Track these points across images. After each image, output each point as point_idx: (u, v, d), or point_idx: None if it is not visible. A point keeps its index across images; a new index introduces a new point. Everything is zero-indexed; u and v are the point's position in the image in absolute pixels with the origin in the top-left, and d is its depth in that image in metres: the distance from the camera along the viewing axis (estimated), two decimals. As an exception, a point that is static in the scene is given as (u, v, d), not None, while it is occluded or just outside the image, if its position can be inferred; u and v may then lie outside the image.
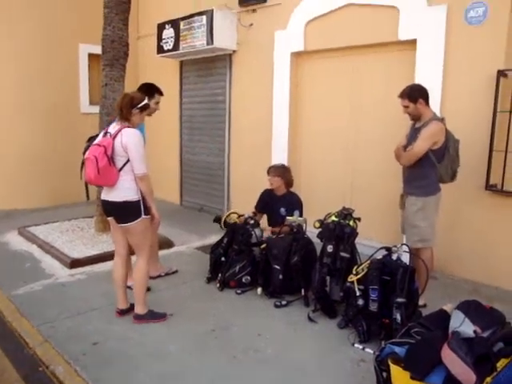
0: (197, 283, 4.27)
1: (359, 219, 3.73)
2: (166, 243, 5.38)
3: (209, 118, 6.97)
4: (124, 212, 3.24)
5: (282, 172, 4.53)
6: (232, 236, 4.25)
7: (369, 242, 4.97)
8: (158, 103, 4.02)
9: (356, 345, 3.12)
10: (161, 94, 4.03)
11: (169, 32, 6.67)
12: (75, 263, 4.57)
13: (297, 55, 5.62)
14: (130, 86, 8.17)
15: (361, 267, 3.28)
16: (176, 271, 4.55)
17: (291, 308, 3.76)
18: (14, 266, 4.65)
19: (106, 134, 3.25)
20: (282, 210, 4.50)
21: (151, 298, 3.88)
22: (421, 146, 3.52)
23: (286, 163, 5.68)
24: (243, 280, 4.10)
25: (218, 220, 4.40)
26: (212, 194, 7.13)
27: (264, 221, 4.73)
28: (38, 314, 3.56)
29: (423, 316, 2.90)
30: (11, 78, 6.96)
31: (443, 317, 2.54)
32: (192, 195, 7.53)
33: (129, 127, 3.20)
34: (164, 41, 6.80)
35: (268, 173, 4.54)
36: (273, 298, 3.90)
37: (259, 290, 3.97)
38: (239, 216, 4.41)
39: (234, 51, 6.32)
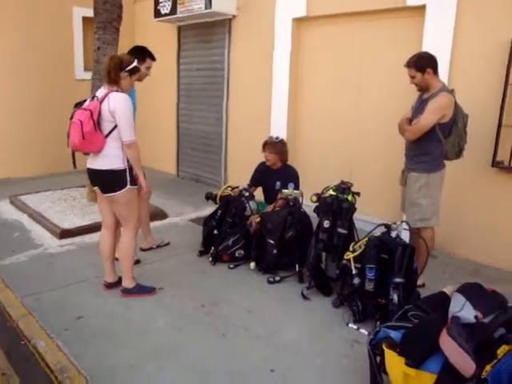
0: (188, 256, 4.15)
1: (358, 194, 3.57)
2: (160, 214, 5.25)
3: (207, 86, 6.72)
4: (109, 181, 3.08)
5: (278, 149, 4.30)
6: (226, 208, 4.10)
7: (368, 218, 4.84)
8: (149, 68, 3.78)
9: (350, 325, 3.01)
10: (153, 58, 3.79)
11: (166, -6, 6.35)
12: (65, 233, 4.45)
13: (299, 21, 5.32)
14: (126, 51, 7.94)
15: (358, 244, 3.14)
16: (168, 243, 4.43)
17: (285, 284, 3.64)
18: (2, 236, 4.53)
19: (93, 98, 3.05)
20: (278, 183, 4.33)
21: (141, 270, 3.78)
22: (427, 119, 3.31)
23: (284, 133, 5.50)
24: (236, 254, 3.98)
25: (209, 197, 4.22)
26: (209, 165, 6.95)
27: (259, 194, 4.57)
28: (24, 286, 3.45)
29: (421, 298, 2.77)
30: (3, 45, 6.66)
31: (443, 299, 2.40)
32: (189, 165, 7.36)
33: (117, 91, 3.01)
34: (161, 4, 6.48)
35: (263, 148, 4.34)
36: (266, 273, 3.79)
37: (252, 264, 3.85)
38: (233, 188, 4.25)
39: (234, 16, 6.01)
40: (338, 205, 3.39)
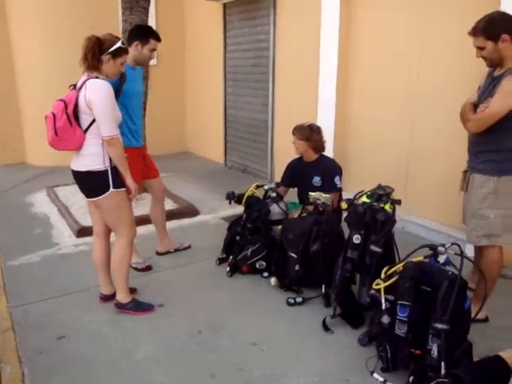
0: (206, 264, 3.64)
1: (399, 202, 2.79)
2: (190, 211, 4.82)
3: (252, 69, 6.11)
4: (89, 184, 2.65)
5: (307, 134, 3.58)
6: (248, 212, 3.52)
7: (426, 223, 4.03)
8: (153, 50, 3.25)
9: (375, 375, 2.31)
10: (157, 39, 3.24)
11: (209, -31, 5.80)
12: (82, 232, 4.15)
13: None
14: (176, 32, 7.54)
15: (394, 269, 2.40)
16: (189, 247, 3.96)
17: (307, 307, 3.00)
18: (26, 231, 4.37)
19: (74, 86, 2.61)
20: (317, 178, 3.64)
21: (148, 279, 3.39)
22: (498, 104, 2.45)
23: (332, 123, 4.77)
24: (257, 265, 3.40)
25: (231, 197, 3.62)
26: (256, 155, 6.38)
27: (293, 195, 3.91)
28: (20, 293, 3.19)
29: (468, 364, 2.00)
30: (37, 37, 6.55)
31: (498, 371, 1.64)
32: (236, 155, 6.84)
33: (97, 78, 2.53)
34: (204, -21, 5.95)
35: (292, 134, 3.68)
36: (289, 290, 3.17)
37: (273, 280, 3.25)
38: (258, 187, 3.65)
39: (279, -12, 5.31)
40: (372, 216, 2.65)
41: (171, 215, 4.62)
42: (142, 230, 4.16)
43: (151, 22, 7.13)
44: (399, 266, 2.36)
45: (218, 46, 6.66)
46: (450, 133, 3.76)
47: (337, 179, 3.56)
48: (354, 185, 4.90)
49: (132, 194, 2.72)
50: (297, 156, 3.80)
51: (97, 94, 2.47)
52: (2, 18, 6.64)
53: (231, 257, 3.49)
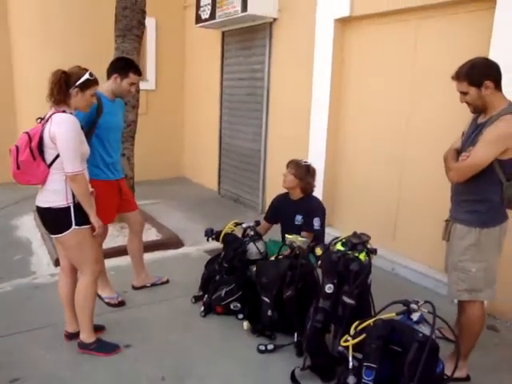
0: (181, 302, 3.51)
1: (375, 251, 2.67)
2: (174, 242, 4.71)
3: (247, 98, 6.07)
4: (50, 220, 2.58)
5: (302, 174, 3.51)
6: (226, 250, 3.41)
7: (415, 266, 3.90)
8: (133, 84, 3.19)
9: None
10: (137, 73, 3.18)
11: (206, -2, 5.84)
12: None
13: (342, 22, 4.46)
14: (176, 59, 7.56)
15: (365, 324, 2.27)
16: (167, 281, 3.84)
17: (278, 356, 2.86)
18: (4, 257, 4.28)
19: (41, 119, 2.56)
20: (299, 217, 3.55)
21: (119, 316, 3.28)
22: (482, 153, 2.35)
23: (323, 159, 4.70)
24: (231, 307, 3.27)
25: (209, 235, 3.52)
26: (248, 185, 6.29)
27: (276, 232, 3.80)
28: (-15, 326, 3.08)
29: None
30: (38, 66, 6.54)
31: None
32: (229, 184, 6.76)
33: (64, 112, 2.47)
34: (201, 9, 5.99)
35: (287, 166, 3.60)
36: (262, 335, 3.03)
37: (245, 324, 3.12)
38: (237, 225, 3.54)
39: (275, 19, 5.31)
40: (345, 265, 2.53)
41: (154, 246, 4.53)
42: (120, 260, 4.08)
43: (151, 48, 7.25)
44: (370, 322, 2.23)
45: (215, 73, 6.67)
46: (439, 179, 3.66)
47: (316, 220, 3.45)
48: (345, 224, 4.81)
49: (96, 231, 2.63)
50: (283, 191, 3.71)
51: (61, 129, 2.40)
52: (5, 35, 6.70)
53: (206, 296, 3.36)
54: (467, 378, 2.65)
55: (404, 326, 2.15)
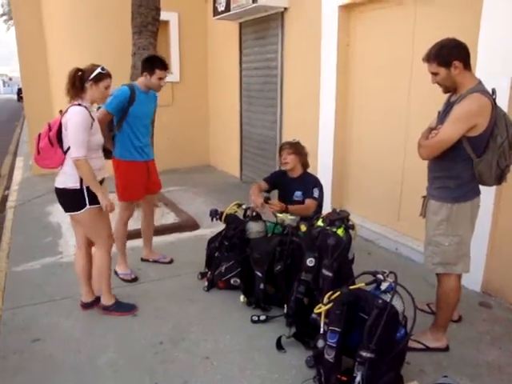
0: (189, 278, 3.81)
1: (353, 227, 2.82)
2: (190, 225, 5.01)
3: (263, 86, 6.27)
4: (65, 200, 2.93)
5: (299, 149, 3.74)
6: (227, 229, 3.67)
7: (416, 246, 4.00)
8: (161, 79, 3.51)
9: (309, 397, 2.37)
10: (163, 67, 3.49)
11: (222, -10, 6.06)
12: (85, 242, 4.45)
13: (345, 8, 4.55)
14: (199, 51, 7.83)
15: (337, 294, 2.45)
16: (171, 261, 4.15)
17: (269, 326, 3.09)
18: (37, 240, 4.74)
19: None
20: (298, 193, 3.73)
21: (131, 290, 3.63)
22: (448, 130, 2.45)
23: (331, 142, 4.84)
24: (231, 282, 3.52)
25: (213, 215, 3.79)
26: (266, 171, 6.45)
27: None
28: (15, 297, 3.49)
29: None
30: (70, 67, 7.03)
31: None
32: (250, 170, 7.01)
33: (79, 105, 2.80)
34: (218, 1, 6.20)
35: (281, 150, 3.79)
36: (257, 308, 3.27)
37: (242, 297, 3.37)
38: (239, 206, 3.78)
39: (286, 9, 5.44)
40: (323, 240, 2.71)
41: (171, 228, 4.86)
42: (139, 242, 4.40)
43: (175, 41, 7.56)
44: (340, 291, 2.41)
45: (235, 63, 6.89)
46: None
47: (315, 190, 3.63)
48: (352, 204, 4.93)
49: (108, 209, 2.94)
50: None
51: (71, 118, 2.74)
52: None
53: (209, 272, 3.64)
54: (446, 349, 2.77)
55: (368, 294, 2.32)
